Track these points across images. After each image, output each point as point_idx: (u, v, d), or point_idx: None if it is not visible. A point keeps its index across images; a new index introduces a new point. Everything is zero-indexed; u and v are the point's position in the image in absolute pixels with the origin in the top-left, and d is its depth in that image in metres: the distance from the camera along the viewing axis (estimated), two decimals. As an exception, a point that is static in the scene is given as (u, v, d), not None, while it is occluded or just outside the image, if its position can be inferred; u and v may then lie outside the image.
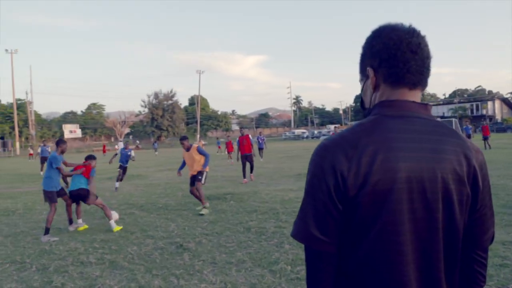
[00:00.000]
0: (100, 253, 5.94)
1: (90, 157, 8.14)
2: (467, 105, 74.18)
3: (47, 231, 7.07)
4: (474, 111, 72.62)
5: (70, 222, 7.85)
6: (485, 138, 24.09)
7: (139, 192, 12.66)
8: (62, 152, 7.79)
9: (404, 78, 1.20)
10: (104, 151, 51.15)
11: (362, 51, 1.30)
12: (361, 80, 1.34)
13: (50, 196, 7.41)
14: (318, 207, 1.15)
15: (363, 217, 1.12)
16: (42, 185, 7.49)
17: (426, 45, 1.22)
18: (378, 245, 1.12)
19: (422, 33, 1.24)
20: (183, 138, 9.50)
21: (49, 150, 20.84)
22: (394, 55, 1.19)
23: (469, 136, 23.72)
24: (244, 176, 14.18)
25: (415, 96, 1.23)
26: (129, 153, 14.59)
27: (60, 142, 7.95)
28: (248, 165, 14.40)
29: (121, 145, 44.91)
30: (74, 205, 8.00)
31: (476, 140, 25.26)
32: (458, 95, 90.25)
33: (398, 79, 1.21)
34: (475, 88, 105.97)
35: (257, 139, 24.60)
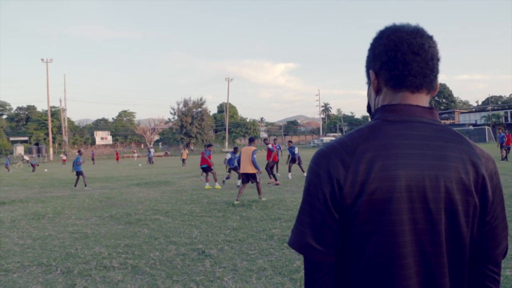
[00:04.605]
0: (123, 258, 6.00)
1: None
2: (501, 112, 72.16)
3: None
4: (509, 118, 70.61)
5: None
6: (508, 148, 22.80)
7: (165, 198, 12.78)
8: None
9: (405, 81, 1.13)
10: (117, 159, 51.84)
11: (367, 53, 1.24)
12: (366, 83, 1.28)
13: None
14: (315, 216, 1.09)
15: (361, 227, 1.06)
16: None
17: (431, 46, 1.14)
18: (377, 258, 1.06)
19: (429, 33, 1.17)
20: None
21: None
22: (394, 57, 1.13)
23: (501, 145, 22.60)
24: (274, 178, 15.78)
25: (419, 99, 1.16)
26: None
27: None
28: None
29: (152, 151, 45.53)
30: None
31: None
32: (491, 102, 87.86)
33: (399, 82, 1.14)
34: (510, 95, 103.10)
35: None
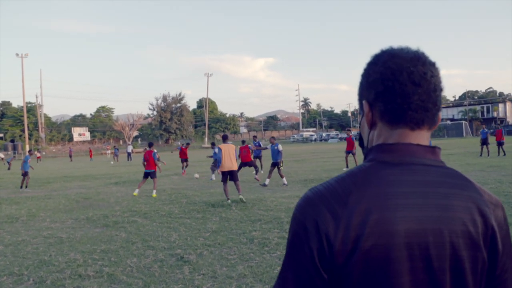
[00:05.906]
0: (99, 265, 5.82)
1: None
2: (478, 107, 73.59)
3: None
4: (485, 113, 72.03)
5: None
6: (500, 144, 22.38)
7: (143, 198, 12.56)
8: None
9: (404, 116, 0.99)
10: (91, 156, 51.10)
11: (360, 79, 1.09)
12: (359, 113, 1.13)
13: None
14: (300, 273, 0.95)
15: None
16: None
17: (434, 76, 1.00)
18: None
19: (431, 59, 1.02)
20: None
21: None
22: (392, 88, 0.98)
23: (485, 141, 22.52)
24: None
25: (419, 137, 1.01)
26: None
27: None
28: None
29: (130, 148, 44.97)
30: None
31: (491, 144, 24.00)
32: (468, 97, 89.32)
33: (396, 117, 0.99)
34: (486, 90, 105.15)
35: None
